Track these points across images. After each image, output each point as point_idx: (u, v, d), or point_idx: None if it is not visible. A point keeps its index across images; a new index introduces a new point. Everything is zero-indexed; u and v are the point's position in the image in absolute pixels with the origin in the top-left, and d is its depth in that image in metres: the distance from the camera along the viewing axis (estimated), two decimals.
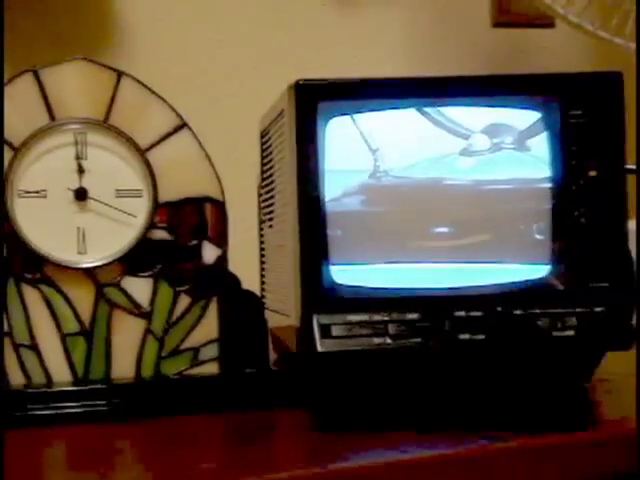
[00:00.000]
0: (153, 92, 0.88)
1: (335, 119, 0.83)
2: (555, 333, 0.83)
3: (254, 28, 1.29)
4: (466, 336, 0.82)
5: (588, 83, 0.85)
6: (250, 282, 0.93)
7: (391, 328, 0.82)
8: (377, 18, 1.35)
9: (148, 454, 0.76)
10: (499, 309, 0.83)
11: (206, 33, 1.26)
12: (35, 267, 0.86)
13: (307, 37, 1.31)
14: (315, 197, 0.82)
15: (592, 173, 0.84)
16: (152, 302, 0.88)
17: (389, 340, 0.81)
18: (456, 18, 1.40)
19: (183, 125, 0.88)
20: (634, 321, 0.86)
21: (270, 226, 0.96)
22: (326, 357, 0.81)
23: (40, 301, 0.86)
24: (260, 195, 1.01)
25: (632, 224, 0.88)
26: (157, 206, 0.87)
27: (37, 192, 0.86)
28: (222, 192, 0.89)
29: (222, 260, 0.89)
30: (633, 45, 1.18)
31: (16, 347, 0.86)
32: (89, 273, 0.87)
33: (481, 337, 0.82)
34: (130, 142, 0.87)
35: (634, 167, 0.91)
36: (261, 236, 1.03)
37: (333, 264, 0.83)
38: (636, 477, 0.74)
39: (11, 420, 0.80)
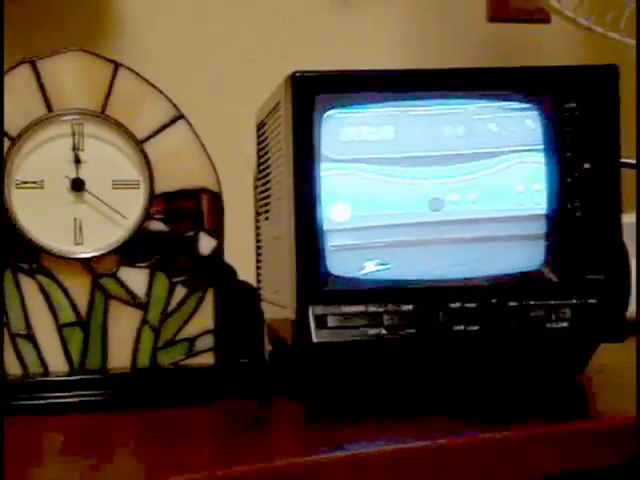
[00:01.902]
0: (150, 83, 0.88)
1: (331, 111, 0.83)
2: (549, 325, 0.83)
3: (252, 21, 1.29)
4: (461, 327, 0.83)
5: (583, 76, 0.85)
6: (246, 273, 0.93)
7: (386, 319, 0.82)
8: (374, 13, 1.35)
9: (143, 443, 0.76)
10: (494, 301, 0.83)
11: (204, 26, 1.26)
12: (32, 257, 0.86)
13: (304, 31, 1.31)
14: (311, 190, 0.82)
15: (587, 166, 0.85)
16: (148, 293, 0.88)
17: (384, 331, 0.82)
18: (452, 13, 1.40)
19: (180, 116, 0.88)
20: (629, 313, 0.86)
21: (266, 218, 0.97)
22: (321, 348, 0.82)
23: (37, 291, 0.86)
24: (256, 187, 1.01)
25: (629, 218, 0.89)
26: (153, 197, 0.88)
27: (34, 183, 0.87)
28: (219, 183, 0.89)
29: (218, 251, 0.89)
30: (628, 40, 1.18)
31: (13, 337, 0.86)
32: (86, 263, 0.87)
33: (475, 328, 0.83)
34: (127, 133, 0.87)
35: (634, 161, 0.91)
36: (257, 228, 1.04)
37: (328, 256, 0.83)
38: (636, 467, 0.74)
39: (7, 409, 0.80)
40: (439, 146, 0.85)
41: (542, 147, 0.86)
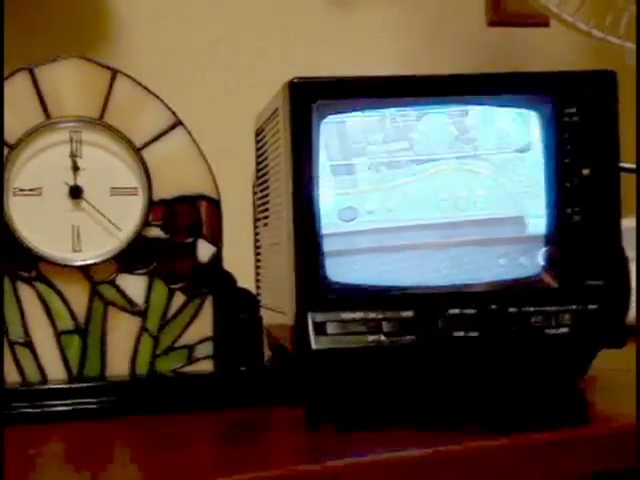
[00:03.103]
0: (148, 90, 0.88)
1: (330, 117, 0.83)
2: (549, 331, 0.83)
3: (250, 27, 1.29)
4: (460, 334, 0.82)
5: (582, 81, 0.85)
6: (245, 280, 0.93)
7: (385, 326, 0.82)
8: (373, 17, 1.35)
9: (142, 451, 0.76)
10: (493, 307, 0.83)
11: (202, 32, 1.27)
12: (30, 265, 0.86)
13: (303, 36, 1.32)
14: (309, 195, 0.82)
15: (586, 172, 0.85)
16: (147, 300, 0.88)
17: (383, 338, 0.82)
18: (452, 17, 1.40)
19: (178, 123, 0.88)
20: (629, 319, 0.86)
21: (265, 224, 0.96)
22: (321, 355, 0.81)
23: (35, 299, 0.86)
24: (255, 193, 1.01)
25: (628, 222, 0.89)
26: (152, 204, 0.87)
27: (32, 190, 0.86)
28: (217, 190, 0.89)
29: (217, 258, 0.89)
30: (627, 44, 1.18)
31: (11, 345, 0.86)
32: (84, 271, 0.87)
33: (475, 335, 0.83)
34: (125, 140, 0.87)
35: (633, 166, 0.91)
36: (256, 234, 1.04)
37: (328, 262, 0.83)
38: (636, 473, 0.74)
39: (6, 418, 0.80)
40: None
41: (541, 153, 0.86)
